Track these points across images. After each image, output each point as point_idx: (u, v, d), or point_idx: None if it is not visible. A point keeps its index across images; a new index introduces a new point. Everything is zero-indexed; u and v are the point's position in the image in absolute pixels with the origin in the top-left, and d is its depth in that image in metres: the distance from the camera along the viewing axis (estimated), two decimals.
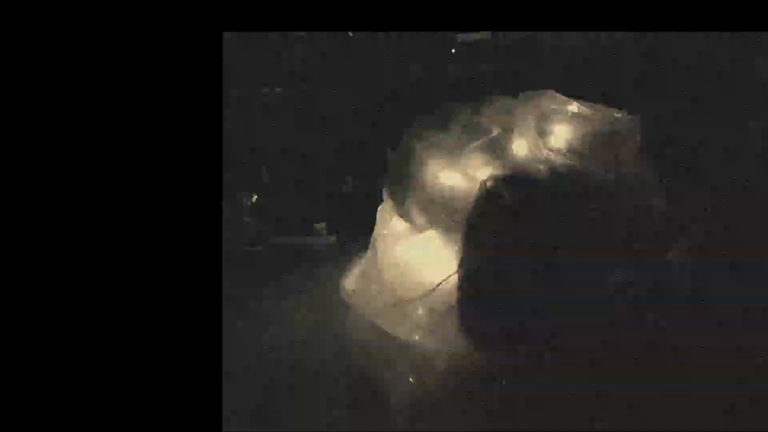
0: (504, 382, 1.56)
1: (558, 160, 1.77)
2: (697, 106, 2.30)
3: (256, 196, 2.52)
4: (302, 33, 2.51)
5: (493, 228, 1.73)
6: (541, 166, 1.76)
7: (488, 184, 1.73)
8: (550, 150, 1.79)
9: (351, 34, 2.52)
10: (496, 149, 1.80)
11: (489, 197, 1.73)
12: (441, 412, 1.42)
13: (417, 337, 1.72)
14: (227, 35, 1.41)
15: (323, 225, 2.55)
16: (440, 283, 1.72)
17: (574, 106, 1.85)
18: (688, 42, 2.30)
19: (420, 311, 1.74)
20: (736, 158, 2.23)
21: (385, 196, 2.01)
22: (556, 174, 1.75)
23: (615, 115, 1.85)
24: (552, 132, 1.84)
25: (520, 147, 1.80)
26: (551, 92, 1.89)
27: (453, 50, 2.59)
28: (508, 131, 1.82)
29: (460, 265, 1.72)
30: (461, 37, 2.60)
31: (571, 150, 1.80)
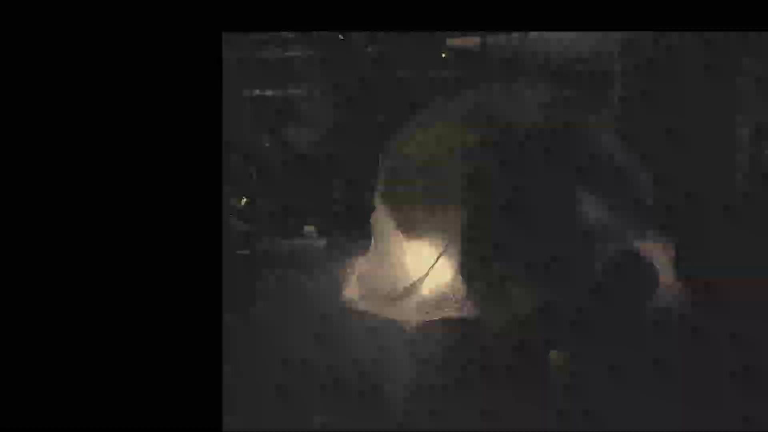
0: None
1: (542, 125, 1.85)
2: (683, 105, 2.35)
3: (245, 199, 2.52)
4: (292, 35, 2.50)
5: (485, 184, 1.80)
6: (529, 125, 1.83)
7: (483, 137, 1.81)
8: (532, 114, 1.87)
9: (341, 37, 2.53)
10: (483, 117, 1.88)
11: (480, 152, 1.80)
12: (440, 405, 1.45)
13: (424, 315, 1.79)
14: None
15: (312, 228, 2.55)
16: (437, 259, 1.78)
17: (547, 87, 1.97)
18: (675, 42, 2.34)
19: (424, 292, 1.80)
20: (721, 156, 2.28)
21: (377, 203, 2.02)
22: (543, 134, 1.82)
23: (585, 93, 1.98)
24: (529, 102, 1.92)
25: (505, 114, 1.88)
26: (525, 78, 2.02)
27: (443, 55, 2.61)
28: (491, 106, 1.91)
29: (454, 238, 1.78)
30: (451, 42, 2.62)
31: (549, 114, 1.88)
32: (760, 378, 1.49)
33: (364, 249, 2.03)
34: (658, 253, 1.86)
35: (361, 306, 1.87)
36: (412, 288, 1.79)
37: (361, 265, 1.97)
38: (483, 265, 1.77)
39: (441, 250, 1.78)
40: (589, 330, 1.68)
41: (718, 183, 2.27)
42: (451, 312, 1.77)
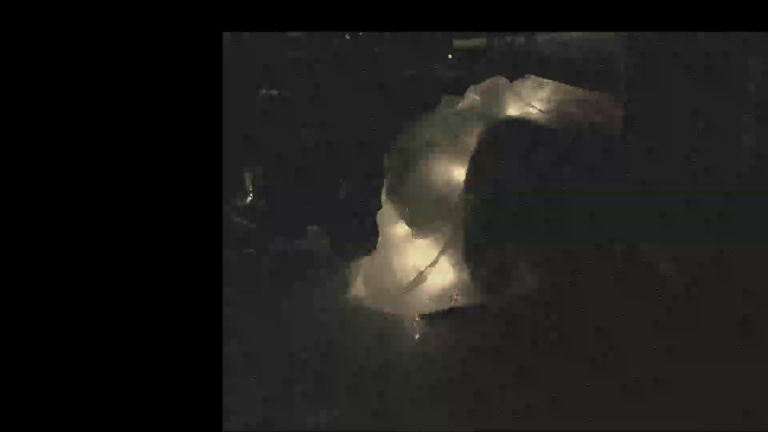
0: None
1: (545, 118, 1.91)
2: (689, 105, 2.33)
3: (250, 198, 2.52)
4: (299, 35, 2.50)
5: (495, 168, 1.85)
6: (534, 118, 1.90)
7: (489, 129, 1.87)
8: (538, 109, 1.94)
9: (347, 36, 2.53)
10: (490, 111, 1.95)
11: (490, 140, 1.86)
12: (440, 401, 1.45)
13: (431, 306, 1.80)
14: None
15: (317, 228, 2.54)
16: (443, 250, 1.82)
17: (553, 85, 2.01)
18: (681, 42, 2.33)
19: (430, 283, 1.83)
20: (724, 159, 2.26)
21: (384, 201, 2.03)
22: (547, 125, 1.89)
23: (591, 92, 2.00)
24: (536, 98, 1.99)
25: (511, 108, 1.95)
26: (532, 77, 2.04)
27: (450, 56, 2.60)
28: (498, 101, 1.97)
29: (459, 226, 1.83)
30: (457, 43, 2.61)
31: (555, 110, 1.93)
32: None
33: (369, 248, 2.04)
34: (657, 252, 1.85)
35: (368, 303, 1.88)
36: (419, 280, 1.80)
37: (366, 263, 1.97)
38: (488, 249, 1.80)
39: (446, 241, 1.82)
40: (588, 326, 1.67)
41: (722, 182, 2.25)
42: (458, 300, 1.79)
